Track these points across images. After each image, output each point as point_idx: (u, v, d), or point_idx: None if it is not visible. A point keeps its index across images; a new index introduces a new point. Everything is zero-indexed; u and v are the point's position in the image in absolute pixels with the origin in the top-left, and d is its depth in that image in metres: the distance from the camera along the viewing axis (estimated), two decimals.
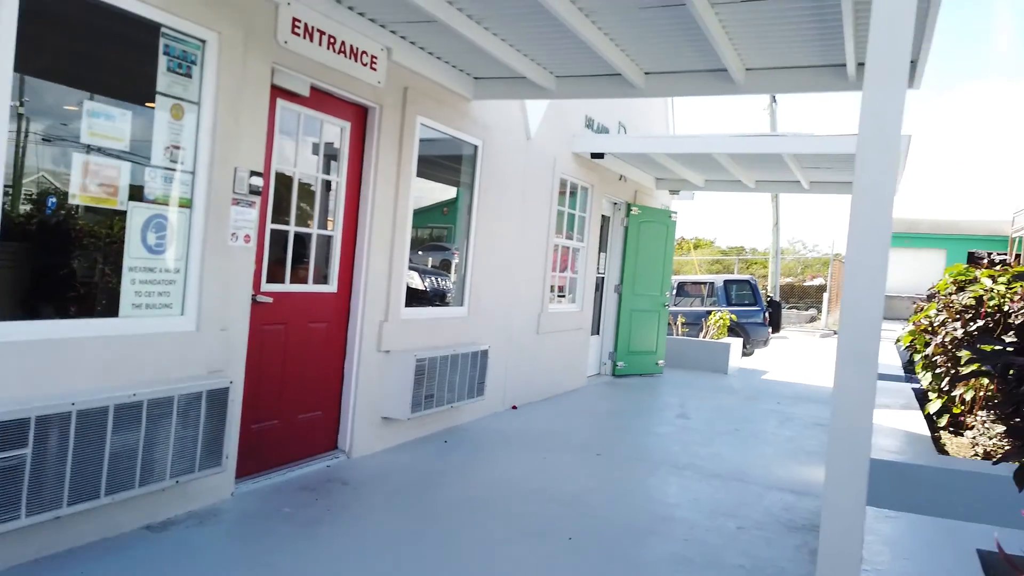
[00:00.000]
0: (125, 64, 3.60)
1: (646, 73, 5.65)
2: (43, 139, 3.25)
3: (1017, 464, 1.93)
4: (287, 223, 4.64)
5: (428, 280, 6.50)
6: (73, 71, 3.36)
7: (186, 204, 3.86)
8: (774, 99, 23.92)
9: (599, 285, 9.92)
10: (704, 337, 12.35)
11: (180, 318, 3.82)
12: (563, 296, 8.83)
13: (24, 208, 3.23)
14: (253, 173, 4.16)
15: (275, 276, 4.58)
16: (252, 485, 4.38)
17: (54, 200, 3.33)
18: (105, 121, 3.45)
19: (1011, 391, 1.93)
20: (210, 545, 3.54)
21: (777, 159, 8.34)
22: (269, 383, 4.56)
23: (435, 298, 6.49)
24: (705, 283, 15.51)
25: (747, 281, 15.21)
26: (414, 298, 6.04)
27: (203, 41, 3.85)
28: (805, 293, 32.03)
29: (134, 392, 3.28)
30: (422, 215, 6.43)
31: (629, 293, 10.17)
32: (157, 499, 3.71)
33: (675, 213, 10.91)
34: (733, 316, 13.45)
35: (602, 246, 9.86)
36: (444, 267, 6.63)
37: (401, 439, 5.72)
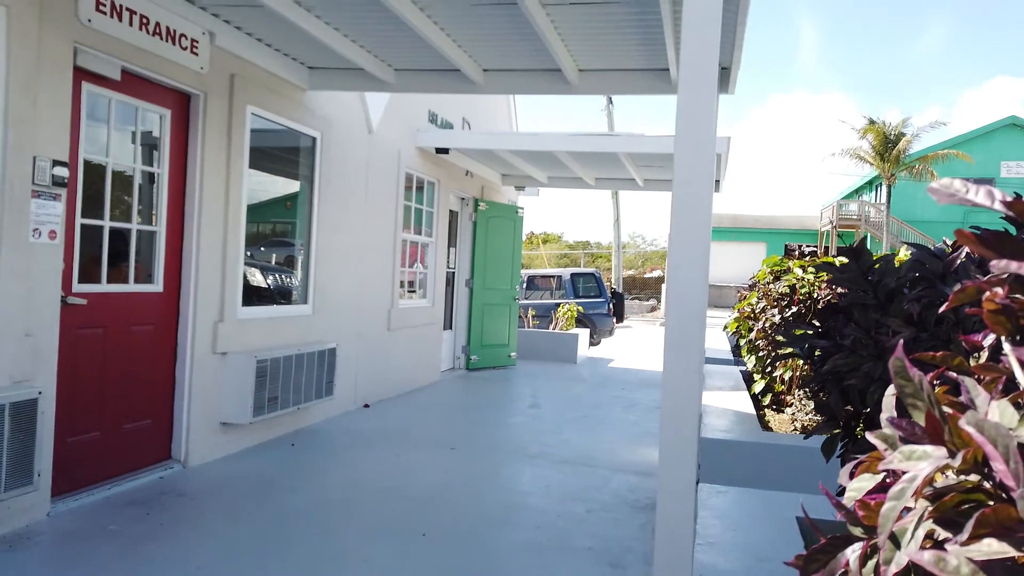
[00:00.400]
0: None
1: (485, 70, 5.72)
2: None
3: (825, 437, 2.13)
4: (102, 217, 4.26)
5: (272, 277, 6.21)
6: None
7: None
8: (611, 100, 25.06)
9: (450, 280, 9.94)
10: (554, 329, 12.74)
11: None
12: (414, 291, 8.77)
13: None
14: (56, 163, 3.77)
15: (90, 276, 4.19)
16: (72, 503, 3.98)
17: None
18: None
19: (816, 371, 2.13)
20: (21, 571, 3.18)
21: (613, 158, 8.73)
22: (87, 392, 4.16)
23: (280, 296, 6.22)
24: (553, 276, 16.00)
25: (592, 274, 15.85)
26: (256, 296, 5.76)
27: None
28: (646, 285, 33.93)
29: None
30: (264, 209, 6.14)
31: (480, 287, 10.27)
32: None
33: (522, 209, 11.16)
34: (580, 308, 13.97)
35: (451, 241, 9.89)
36: (289, 263, 6.37)
37: (244, 444, 5.43)
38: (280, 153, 6.13)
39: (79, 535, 3.62)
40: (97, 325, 4.21)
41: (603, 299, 15.25)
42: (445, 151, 8.48)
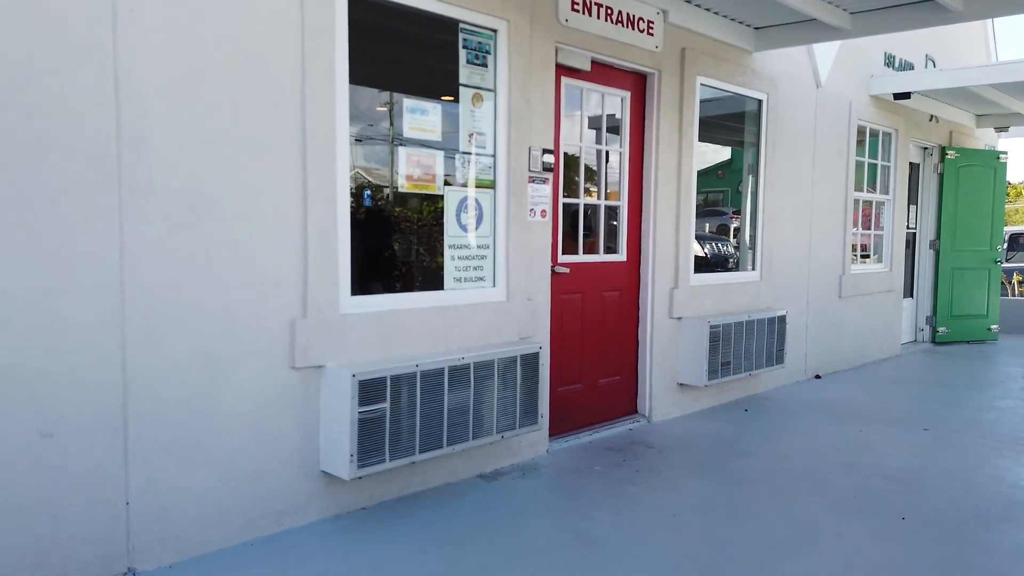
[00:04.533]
0: (431, 62, 4.00)
1: None
2: (356, 139, 3.68)
3: None
4: (576, 196, 4.82)
5: (708, 246, 6.32)
6: (389, 75, 3.82)
7: (488, 185, 4.18)
8: None
9: (910, 242, 8.82)
10: None
11: (492, 289, 4.17)
12: (867, 256, 8.01)
13: (363, 200, 3.75)
14: (545, 151, 4.37)
15: (568, 248, 4.78)
16: (563, 444, 4.65)
17: (387, 191, 3.83)
18: (420, 116, 3.88)
19: None
20: (535, 495, 3.83)
21: None
22: (571, 349, 4.79)
23: (716, 264, 6.29)
24: None
25: None
26: (697, 265, 5.92)
27: (494, 31, 4.13)
28: None
29: (462, 356, 3.66)
30: (701, 180, 6.26)
31: (948, 249, 8.90)
32: (486, 452, 4.11)
33: (1005, 154, 9.28)
34: None
35: (912, 198, 8.75)
36: (722, 232, 6.41)
37: (698, 406, 5.64)
38: (723, 121, 6.13)
39: (572, 471, 4.20)
40: (576, 291, 4.80)
41: None
42: (906, 96, 7.49)
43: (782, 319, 5.97)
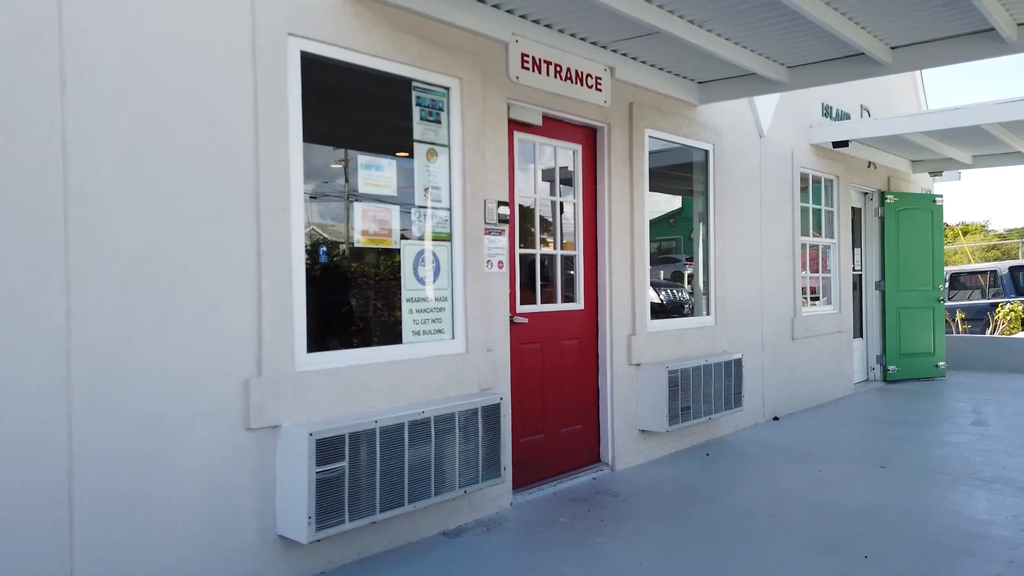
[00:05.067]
0: (385, 119, 4.05)
1: (892, 48, 5.19)
2: (311, 196, 3.68)
3: None
4: (532, 247, 4.87)
5: (664, 293, 6.43)
6: (343, 133, 3.85)
7: (445, 238, 4.21)
8: None
9: (857, 283, 9.11)
10: (992, 333, 10.76)
11: (452, 341, 4.16)
12: (817, 298, 8.23)
13: (319, 256, 3.74)
14: (500, 204, 4.43)
15: (526, 298, 4.81)
16: (527, 496, 4.59)
17: (343, 247, 3.82)
18: (376, 172, 3.91)
19: None
20: (500, 551, 3.76)
21: None
22: (532, 399, 4.77)
23: (673, 310, 6.39)
24: (984, 272, 13.55)
25: None
26: (654, 311, 6.01)
27: (447, 88, 4.22)
28: None
29: (422, 410, 3.62)
30: (653, 228, 6.40)
31: (893, 290, 9.21)
32: (449, 507, 4.03)
33: (940, 197, 9.73)
34: None
35: (856, 241, 9.07)
36: (676, 279, 6.54)
37: (661, 452, 5.65)
38: (672, 171, 6.31)
39: (537, 524, 4.15)
40: (536, 340, 4.81)
41: None
42: (844, 144, 7.84)
43: (738, 362, 6.06)
